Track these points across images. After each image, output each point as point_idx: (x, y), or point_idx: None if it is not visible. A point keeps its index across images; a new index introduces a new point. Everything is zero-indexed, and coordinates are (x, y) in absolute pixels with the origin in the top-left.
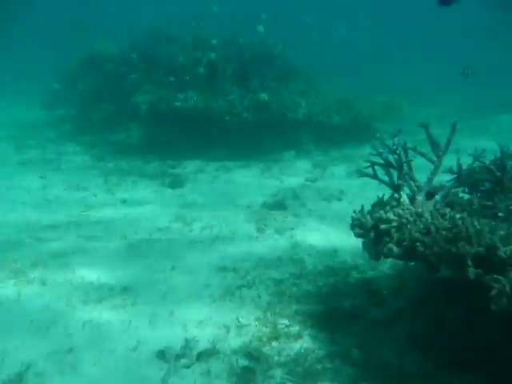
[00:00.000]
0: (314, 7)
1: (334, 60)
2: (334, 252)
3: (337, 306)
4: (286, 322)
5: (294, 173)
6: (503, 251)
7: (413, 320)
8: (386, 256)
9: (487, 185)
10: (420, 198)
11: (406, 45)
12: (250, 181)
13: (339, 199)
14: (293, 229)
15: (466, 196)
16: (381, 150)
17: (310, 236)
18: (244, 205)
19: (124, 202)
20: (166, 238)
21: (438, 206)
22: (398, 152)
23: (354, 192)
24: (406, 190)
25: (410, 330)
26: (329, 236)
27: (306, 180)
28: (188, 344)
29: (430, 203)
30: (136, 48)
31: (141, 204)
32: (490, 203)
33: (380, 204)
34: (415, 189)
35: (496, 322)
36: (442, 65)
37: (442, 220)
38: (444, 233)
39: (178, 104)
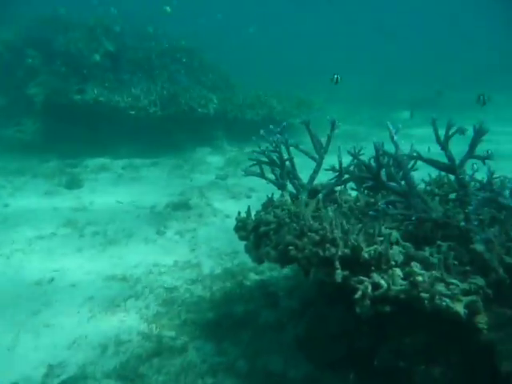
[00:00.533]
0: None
1: (247, 56)
2: (234, 253)
3: (229, 311)
4: (173, 333)
5: (206, 170)
6: (366, 252)
7: (300, 322)
8: (267, 260)
9: (370, 182)
10: (303, 197)
11: (322, 44)
12: (158, 179)
13: (248, 197)
14: (195, 230)
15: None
16: (264, 148)
17: (212, 237)
18: (147, 206)
19: (6, 206)
20: (48, 246)
21: (321, 204)
22: (277, 150)
23: (265, 189)
24: (291, 188)
25: (298, 332)
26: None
27: (217, 177)
28: (52, 371)
29: (313, 202)
30: (31, 35)
31: (26, 208)
32: (372, 200)
33: (269, 204)
34: (298, 187)
35: (365, 323)
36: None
37: (312, 221)
38: (312, 235)
39: (77, 97)
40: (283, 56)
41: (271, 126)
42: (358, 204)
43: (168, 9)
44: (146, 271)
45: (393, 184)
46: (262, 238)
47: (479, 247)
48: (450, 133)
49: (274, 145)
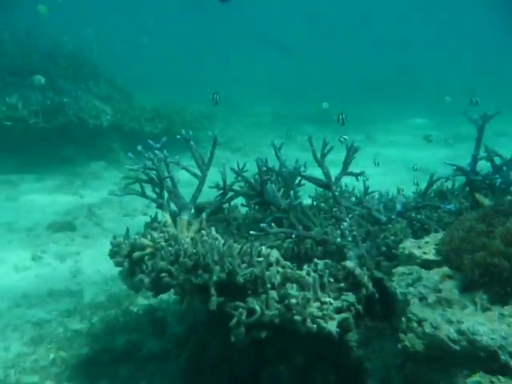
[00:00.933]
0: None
1: (143, 67)
2: None
3: (109, 345)
4: (35, 379)
5: (99, 186)
6: (242, 276)
7: (184, 351)
8: (142, 288)
9: (257, 199)
10: (185, 217)
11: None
12: (41, 198)
13: (145, 214)
14: (78, 253)
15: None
16: (141, 165)
17: (98, 260)
18: (24, 228)
19: None
20: None
21: (204, 224)
22: (155, 167)
23: None
24: (173, 208)
25: (180, 362)
26: None
27: (110, 193)
28: None
29: (196, 222)
30: None
31: None
32: (260, 217)
33: (150, 225)
34: (181, 207)
35: (245, 350)
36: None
37: (188, 245)
38: (185, 260)
39: None
40: (182, 68)
41: (150, 142)
42: (247, 221)
43: (45, 9)
44: (13, 305)
45: (276, 200)
46: (136, 264)
47: (350, 264)
48: (326, 150)
49: (151, 162)
